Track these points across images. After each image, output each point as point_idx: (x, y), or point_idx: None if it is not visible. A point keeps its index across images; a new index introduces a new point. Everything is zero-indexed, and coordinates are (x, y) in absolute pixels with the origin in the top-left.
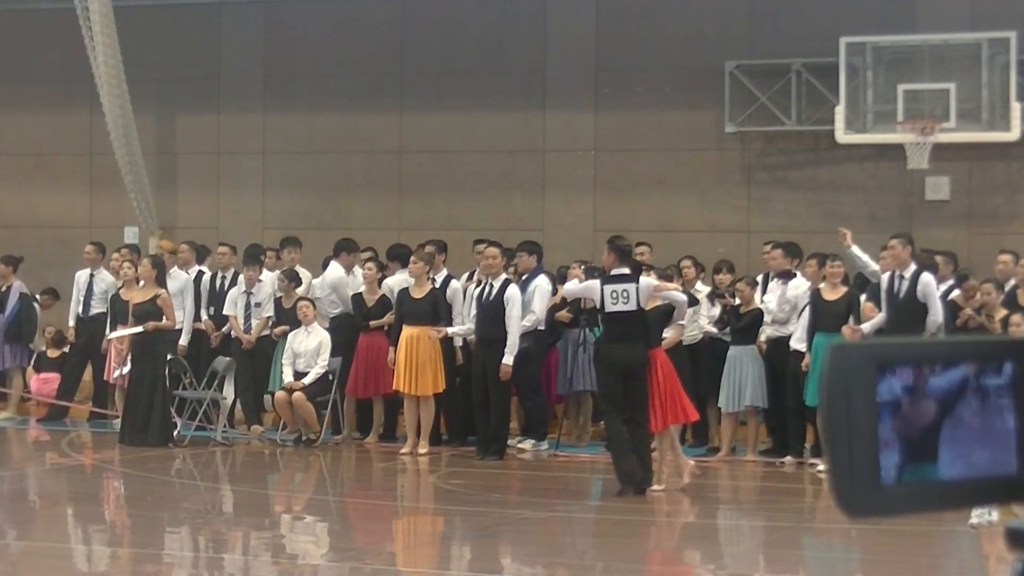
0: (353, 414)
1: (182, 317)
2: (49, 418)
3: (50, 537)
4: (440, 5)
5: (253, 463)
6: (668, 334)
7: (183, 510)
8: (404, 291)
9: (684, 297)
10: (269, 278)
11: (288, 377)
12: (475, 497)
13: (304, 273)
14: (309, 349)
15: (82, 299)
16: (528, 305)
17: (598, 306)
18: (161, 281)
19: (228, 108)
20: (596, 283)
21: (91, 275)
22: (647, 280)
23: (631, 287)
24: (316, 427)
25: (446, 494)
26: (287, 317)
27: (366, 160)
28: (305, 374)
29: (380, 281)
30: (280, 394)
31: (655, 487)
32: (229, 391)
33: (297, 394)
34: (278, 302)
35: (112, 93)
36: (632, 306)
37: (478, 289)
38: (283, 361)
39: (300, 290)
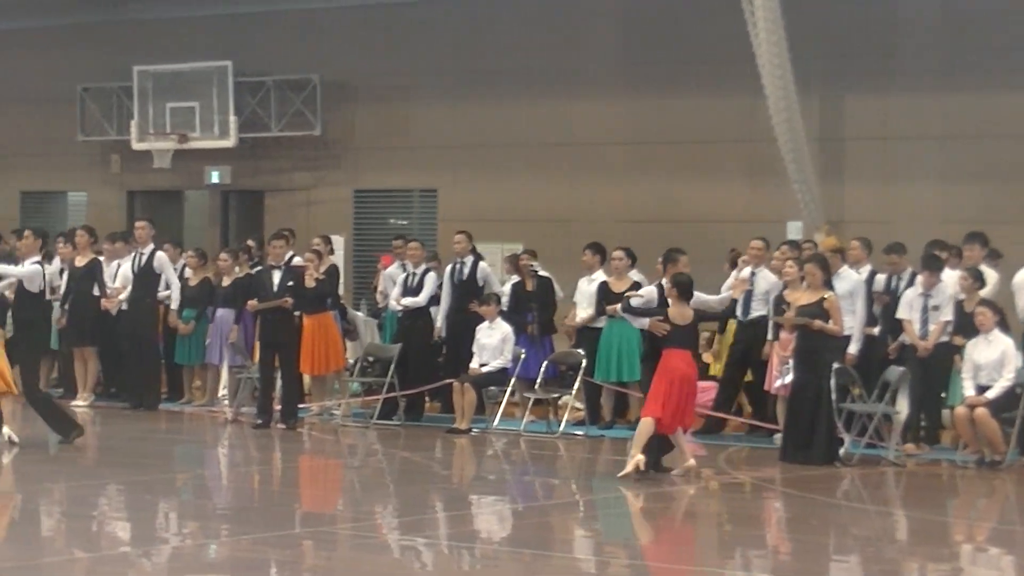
0: None
1: (851, 322)
2: (705, 431)
3: (706, 561)
4: None
5: (928, 486)
6: None
7: (851, 536)
8: None
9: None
10: (950, 278)
11: (969, 391)
12: None
13: (990, 273)
14: (991, 360)
15: (741, 301)
16: None
17: None
18: (828, 282)
19: (901, 88)
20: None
21: (752, 273)
22: None
23: None
24: (1001, 447)
25: None
26: (967, 322)
27: None
28: (988, 387)
29: None
30: (960, 410)
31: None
32: (903, 404)
33: (979, 410)
34: (959, 305)
35: (774, 75)
36: None
37: None
38: (963, 373)
39: (984, 292)
